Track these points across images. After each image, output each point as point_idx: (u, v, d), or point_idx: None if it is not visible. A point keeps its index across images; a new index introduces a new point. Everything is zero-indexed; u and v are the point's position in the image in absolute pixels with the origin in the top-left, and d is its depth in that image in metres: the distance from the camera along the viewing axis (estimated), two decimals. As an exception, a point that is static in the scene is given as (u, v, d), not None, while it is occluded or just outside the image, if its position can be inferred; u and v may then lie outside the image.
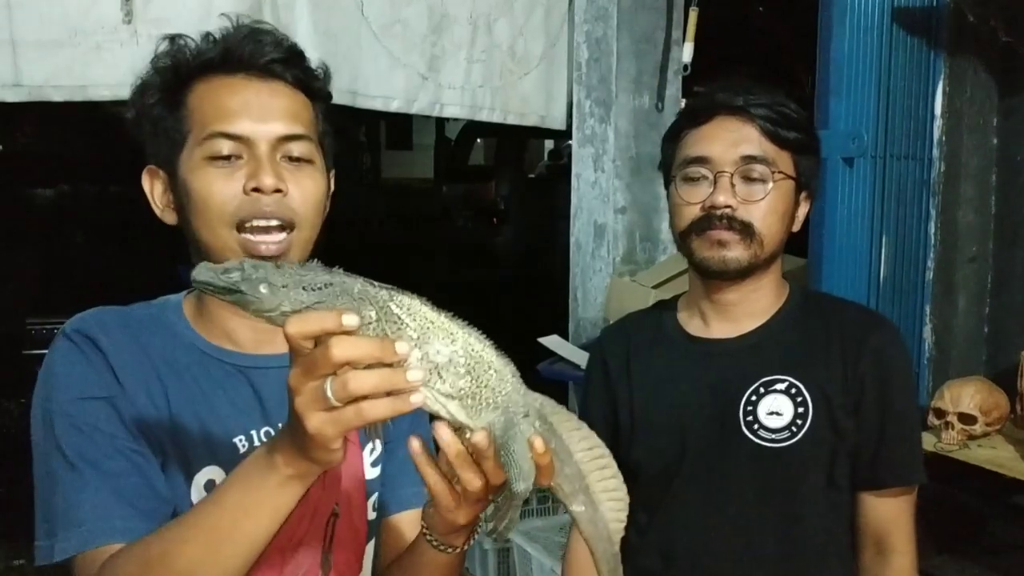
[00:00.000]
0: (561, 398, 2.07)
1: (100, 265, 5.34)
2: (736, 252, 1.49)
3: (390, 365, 0.82)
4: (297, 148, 1.13)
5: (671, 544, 1.55)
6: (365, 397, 0.81)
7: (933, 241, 2.45)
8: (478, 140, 9.92)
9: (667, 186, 1.59)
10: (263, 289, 0.84)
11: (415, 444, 0.93)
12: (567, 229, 3.86)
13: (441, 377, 0.86)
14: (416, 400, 0.84)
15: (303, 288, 0.85)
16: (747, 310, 1.57)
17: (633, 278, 3.36)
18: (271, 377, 1.15)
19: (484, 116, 3.78)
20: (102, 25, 2.92)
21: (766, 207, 1.49)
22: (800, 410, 1.49)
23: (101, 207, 5.83)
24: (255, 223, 1.10)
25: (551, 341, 3.46)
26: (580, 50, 3.75)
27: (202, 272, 0.85)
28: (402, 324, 0.85)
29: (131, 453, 1.07)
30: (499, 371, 0.89)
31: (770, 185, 1.49)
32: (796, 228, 1.59)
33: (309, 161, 1.15)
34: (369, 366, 0.81)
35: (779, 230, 1.52)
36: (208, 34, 1.15)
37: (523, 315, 4.66)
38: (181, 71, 1.14)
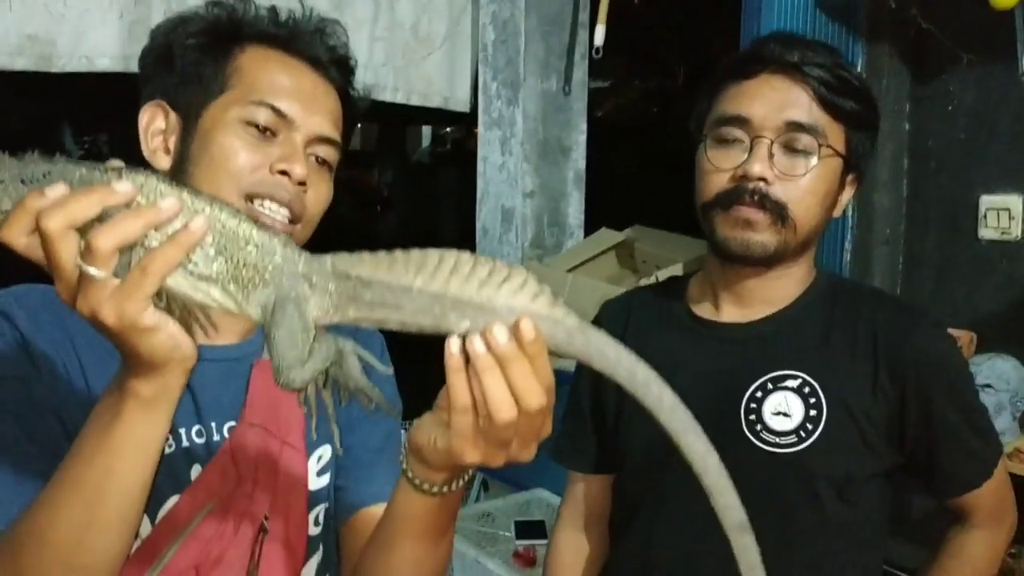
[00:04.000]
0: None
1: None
2: (763, 236, 1.29)
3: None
4: (327, 152, 1.14)
5: (648, 556, 1.39)
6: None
7: (851, 223, 2.51)
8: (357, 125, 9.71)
9: (695, 148, 1.37)
10: None
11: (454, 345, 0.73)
12: (453, 217, 3.78)
13: (191, 260, 0.76)
14: (199, 225, 0.74)
15: (22, 182, 0.75)
16: (765, 296, 1.38)
17: (545, 263, 3.32)
18: (209, 371, 1.05)
19: (387, 96, 3.67)
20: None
21: (806, 186, 1.28)
22: (812, 413, 1.29)
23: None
24: (267, 204, 1.07)
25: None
26: (486, 31, 3.68)
27: None
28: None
29: (41, 436, 0.97)
30: (261, 245, 0.77)
31: (815, 160, 1.28)
32: (837, 214, 1.39)
33: (330, 168, 1.16)
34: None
35: (817, 214, 1.32)
36: (274, 8, 1.15)
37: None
38: (242, 28, 1.12)
